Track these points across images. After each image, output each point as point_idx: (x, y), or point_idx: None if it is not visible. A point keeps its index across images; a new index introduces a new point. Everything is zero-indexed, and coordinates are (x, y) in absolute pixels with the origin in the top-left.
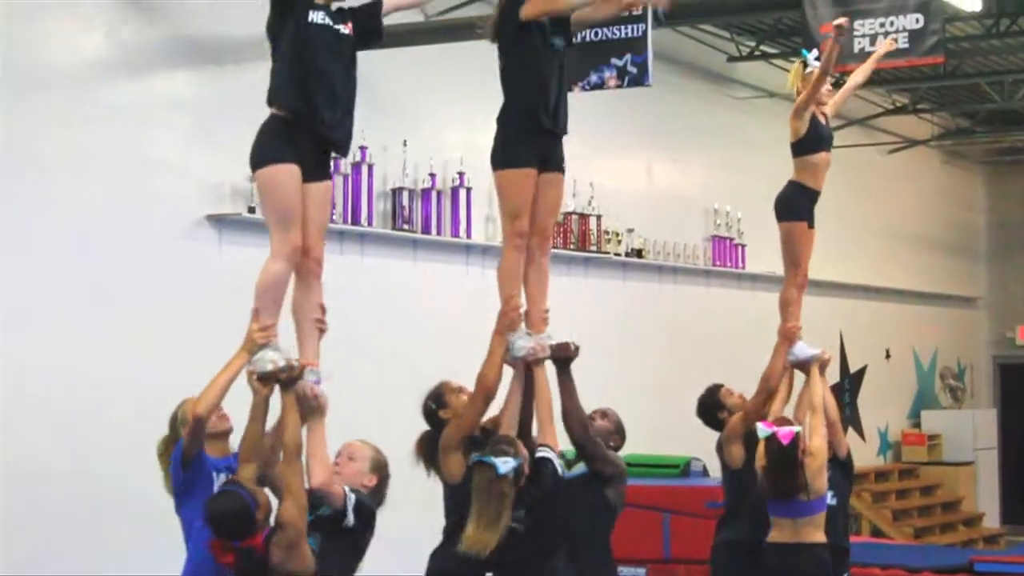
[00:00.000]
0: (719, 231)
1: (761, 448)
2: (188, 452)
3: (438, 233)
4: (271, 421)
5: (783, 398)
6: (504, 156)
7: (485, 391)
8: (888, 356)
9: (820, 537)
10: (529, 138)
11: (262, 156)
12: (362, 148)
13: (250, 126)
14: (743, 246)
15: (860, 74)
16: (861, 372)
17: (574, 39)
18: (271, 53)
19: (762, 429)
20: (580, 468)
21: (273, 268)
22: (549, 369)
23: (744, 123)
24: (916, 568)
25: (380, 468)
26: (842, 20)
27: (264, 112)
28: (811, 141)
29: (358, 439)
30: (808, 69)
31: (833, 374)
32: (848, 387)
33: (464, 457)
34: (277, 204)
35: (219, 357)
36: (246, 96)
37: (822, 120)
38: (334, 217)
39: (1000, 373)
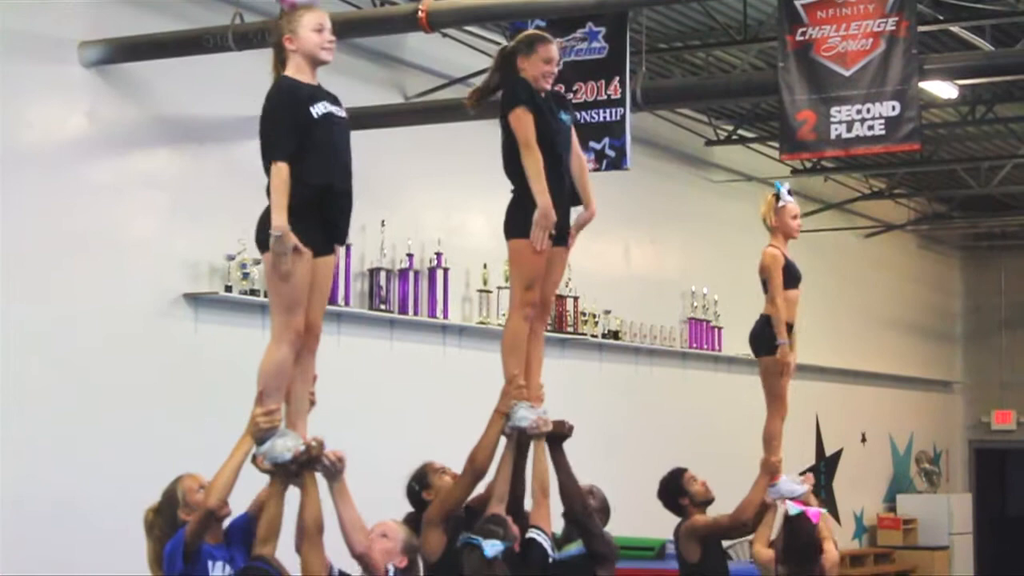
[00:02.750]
0: (696, 313)
1: (783, 529)
2: (190, 545)
3: (415, 313)
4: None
5: (769, 525)
6: (521, 226)
7: (475, 470)
8: (864, 440)
9: None
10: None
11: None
12: None
13: (228, 205)
14: (720, 328)
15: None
16: (837, 455)
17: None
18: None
19: (792, 507)
20: (573, 549)
21: (278, 353)
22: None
23: (722, 206)
24: None
25: (412, 551)
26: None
27: (242, 191)
28: (785, 280)
29: (392, 519)
30: (780, 202)
31: (809, 457)
32: (823, 471)
33: (444, 535)
34: (285, 290)
35: (195, 434)
36: (225, 175)
37: (795, 260)
38: None
39: (976, 457)
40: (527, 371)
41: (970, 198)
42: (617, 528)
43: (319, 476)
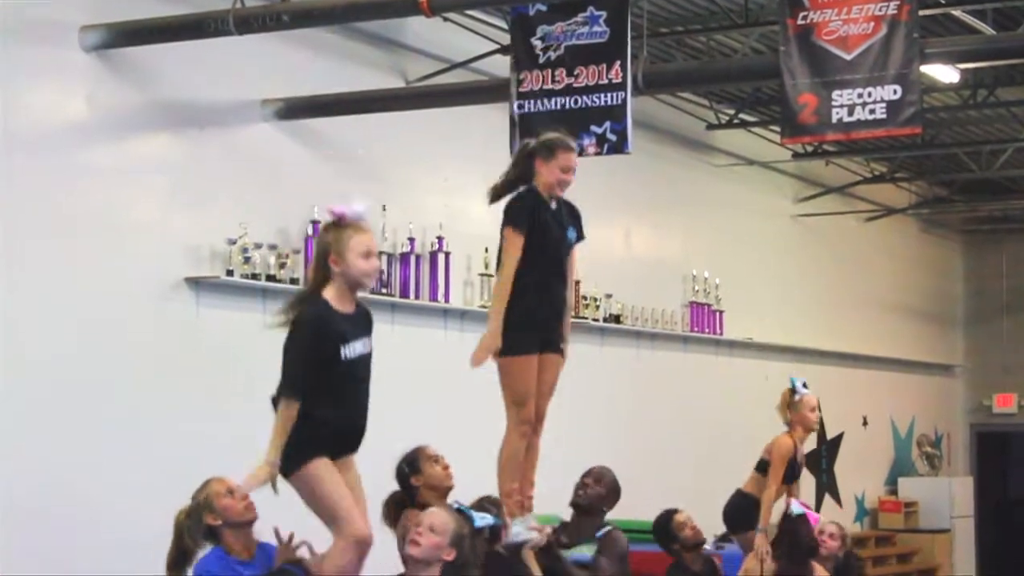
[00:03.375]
0: (697, 297)
1: (784, 527)
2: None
3: (416, 297)
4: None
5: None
6: (509, 345)
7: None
8: (865, 423)
9: None
10: (535, 331)
11: (300, 458)
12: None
13: (229, 189)
14: (721, 312)
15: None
16: (838, 439)
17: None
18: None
19: (796, 507)
20: (585, 552)
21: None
22: None
23: (723, 190)
24: None
25: (460, 541)
26: None
27: (244, 176)
28: (785, 474)
29: (441, 508)
30: (796, 396)
31: (810, 440)
32: (825, 454)
33: None
34: (329, 496)
35: (195, 418)
36: (226, 159)
37: (800, 458)
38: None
39: (977, 441)
40: (523, 483)
41: (971, 182)
42: (619, 511)
43: None
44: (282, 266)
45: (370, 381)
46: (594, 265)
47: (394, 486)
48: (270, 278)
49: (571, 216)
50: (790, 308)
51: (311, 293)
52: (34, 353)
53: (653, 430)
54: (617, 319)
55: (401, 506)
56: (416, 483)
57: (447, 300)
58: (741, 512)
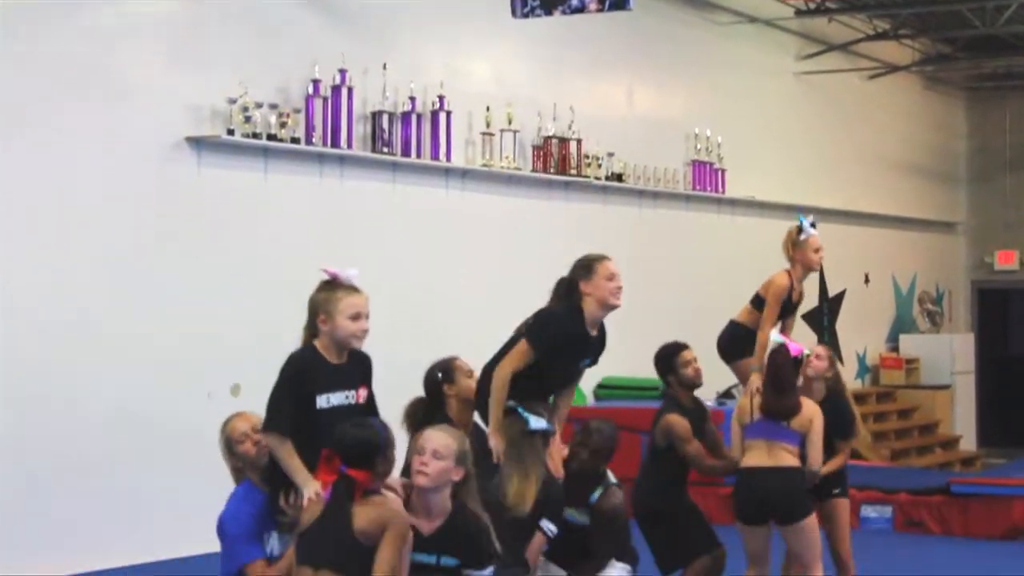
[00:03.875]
0: (699, 156)
1: (766, 358)
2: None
3: (418, 156)
4: None
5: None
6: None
7: None
8: (867, 281)
9: (794, 461)
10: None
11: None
12: (342, 71)
13: (230, 48)
14: (723, 171)
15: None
16: (840, 297)
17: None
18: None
19: (775, 336)
20: (579, 517)
21: None
22: None
23: (726, 48)
24: (893, 489)
25: (465, 458)
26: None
27: (244, 34)
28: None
29: (438, 430)
30: (802, 235)
31: (812, 298)
32: (827, 311)
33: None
34: None
35: (198, 278)
36: (227, 17)
37: (796, 297)
38: (313, 140)
39: (978, 297)
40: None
41: (975, 38)
42: (621, 368)
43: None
44: (283, 125)
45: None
46: (596, 124)
47: (400, 345)
48: (271, 137)
49: (599, 344)
50: (792, 166)
51: (303, 343)
52: (34, 214)
53: (655, 289)
54: (619, 178)
55: (429, 415)
56: (449, 392)
57: (448, 159)
58: (735, 341)
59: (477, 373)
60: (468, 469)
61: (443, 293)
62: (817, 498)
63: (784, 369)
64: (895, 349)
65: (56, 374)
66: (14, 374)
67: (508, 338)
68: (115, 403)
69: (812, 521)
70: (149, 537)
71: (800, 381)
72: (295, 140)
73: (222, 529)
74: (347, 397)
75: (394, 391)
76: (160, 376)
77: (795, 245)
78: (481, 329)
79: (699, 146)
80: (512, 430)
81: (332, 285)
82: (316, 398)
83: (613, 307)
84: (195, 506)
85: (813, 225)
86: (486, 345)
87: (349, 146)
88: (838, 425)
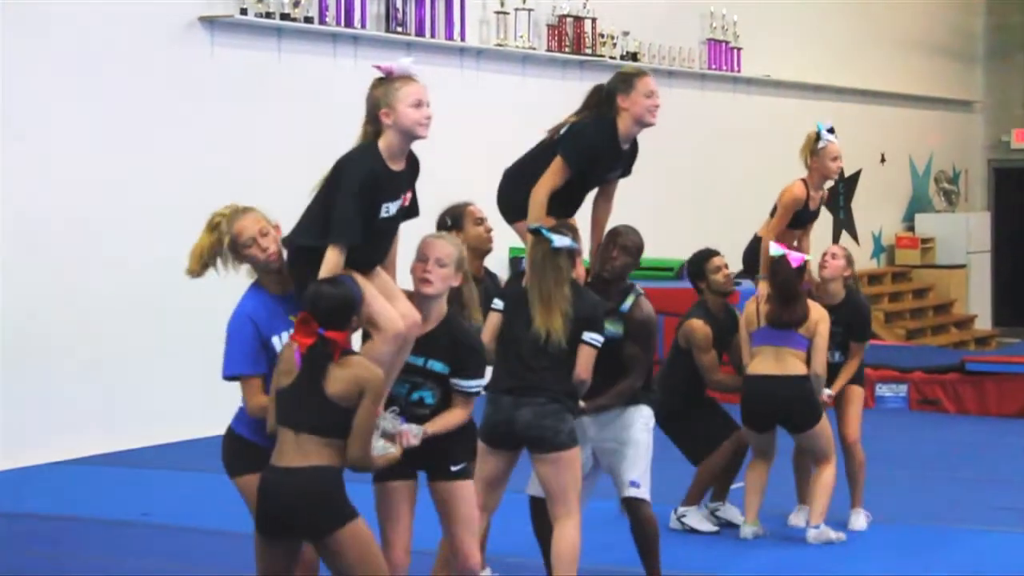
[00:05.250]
0: (715, 34)
1: (769, 269)
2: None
3: (432, 36)
4: None
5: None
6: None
7: None
8: (883, 160)
9: (803, 369)
10: None
11: None
12: None
13: None
14: (739, 49)
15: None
16: (856, 176)
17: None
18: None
19: (774, 248)
20: (610, 330)
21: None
22: None
23: None
24: (908, 368)
25: (463, 264)
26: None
27: None
28: (792, 221)
29: (438, 237)
30: (820, 143)
31: None
32: (842, 191)
33: None
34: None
35: (211, 158)
36: None
37: (813, 205)
38: (327, 19)
39: (995, 177)
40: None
41: None
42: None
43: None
44: (296, 4)
45: (396, 235)
46: (611, 2)
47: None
48: (284, 16)
49: (630, 155)
50: (808, 45)
51: (362, 140)
52: (48, 94)
53: (670, 168)
54: (634, 57)
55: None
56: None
57: (463, 38)
58: (752, 255)
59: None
60: (467, 275)
61: (456, 173)
62: (830, 385)
63: (787, 280)
64: (911, 229)
65: (68, 256)
66: (23, 256)
67: (534, 147)
68: (128, 283)
69: (823, 424)
70: (165, 418)
71: (814, 285)
72: (308, 19)
73: (227, 331)
74: (399, 203)
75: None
76: (173, 257)
77: (812, 153)
78: (496, 210)
79: (715, 24)
80: (535, 252)
81: (388, 79)
82: (382, 206)
83: (648, 124)
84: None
85: (831, 131)
86: (502, 226)
87: (363, 25)
88: (855, 327)
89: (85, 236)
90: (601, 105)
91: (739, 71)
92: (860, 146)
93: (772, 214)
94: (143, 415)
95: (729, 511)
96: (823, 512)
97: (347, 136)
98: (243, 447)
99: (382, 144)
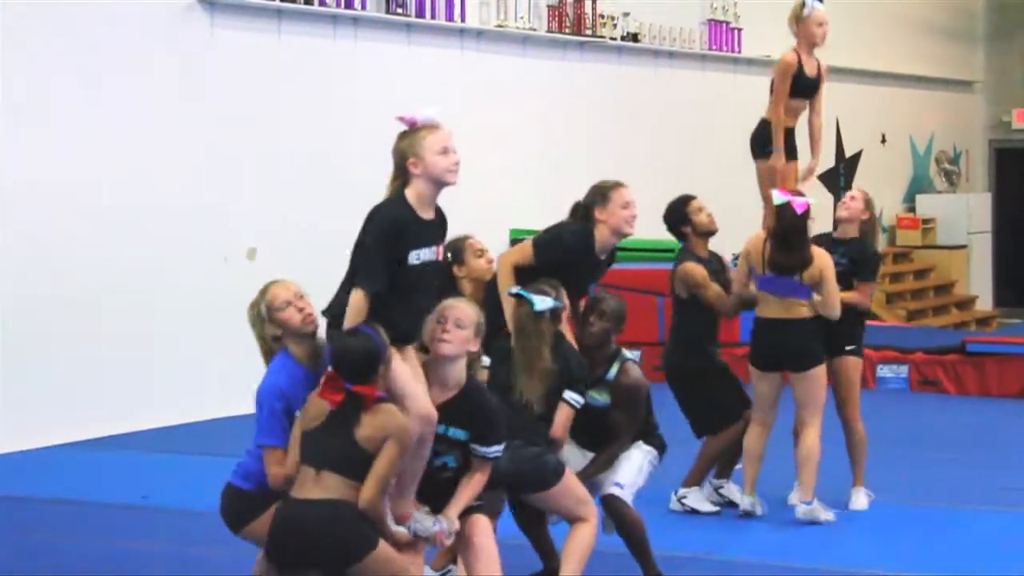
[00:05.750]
0: (716, 15)
1: (773, 217)
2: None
3: (432, 17)
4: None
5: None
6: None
7: None
8: (884, 141)
9: (808, 312)
10: None
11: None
12: None
13: None
14: (739, 30)
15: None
16: (856, 157)
17: None
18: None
19: (777, 195)
20: (599, 400)
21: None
22: None
23: None
24: (909, 348)
25: (481, 331)
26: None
27: None
28: (795, 89)
29: (459, 300)
30: (806, 10)
31: (829, 159)
32: (843, 172)
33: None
34: (399, 378)
35: (212, 141)
36: None
37: (810, 72)
38: (327, 1)
39: (996, 157)
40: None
41: None
42: (637, 230)
43: None
44: None
45: (434, 289)
46: None
47: None
48: None
49: (606, 266)
50: None
51: (390, 195)
52: (47, 77)
53: (671, 149)
54: (635, 38)
55: (439, 296)
56: (459, 273)
57: (463, 19)
58: (758, 134)
59: (491, 252)
60: (483, 342)
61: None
62: (828, 354)
63: (791, 228)
64: (912, 209)
65: (70, 240)
66: (24, 241)
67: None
68: (131, 267)
69: (820, 371)
70: (164, 401)
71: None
72: (308, 1)
73: (256, 401)
74: (432, 252)
75: None
76: (176, 240)
77: (799, 20)
78: (496, 191)
79: (715, 5)
80: (517, 315)
81: (412, 129)
82: (409, 254)
83: (626, 235)
84: (211, 371)
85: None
86: (502, 208)
87: (363, 7)
88: (860, 264)
89: (86, 221)
90: (582, 218)
91: (740, 52)
92: (861, 127)
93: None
94: (141, 398)
95: (732, 489)
96: (811, 485)
97: (348, 118)
98: (245, 499)
99: (410, 194)
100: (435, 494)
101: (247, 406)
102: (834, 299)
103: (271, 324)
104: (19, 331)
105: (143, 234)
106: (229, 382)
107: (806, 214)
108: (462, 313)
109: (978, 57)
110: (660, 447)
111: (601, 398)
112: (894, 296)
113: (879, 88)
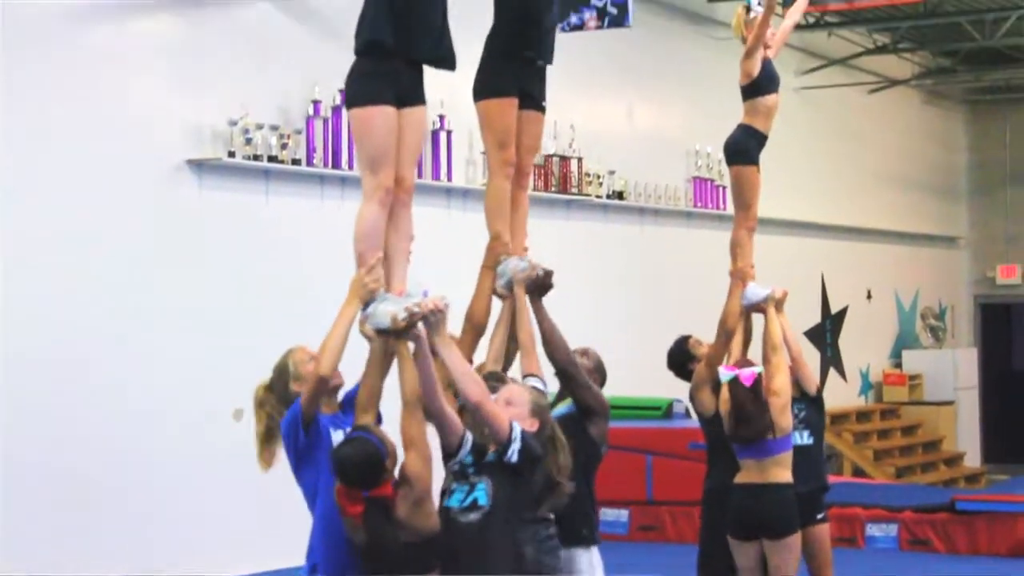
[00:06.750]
0: (700, 172)
1: (725, 391)
2: (308, 414)
3: (419, 176)
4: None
5: (742, 340)
6: (488, 85)
7: (475, 326)
8: (869, 297)
9: (786, 477)
10: (513, 67)
11: (355, 96)
12: (342, 92)
13: (229, 70)
14: (724, 187)
15: (796, 11)
16: (842, 313)
17: None
18: None
19: (724, 373)
20: (563, 407)
21: (368, 213)
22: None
23: (725, 63)
24: (898, 507)
25: (541, 411)
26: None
27: (243, 56)
28: (763, 82)
29: (517, 383)
30: (751, 14)
31: (814, 315)
32: (829, 328)
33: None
34: (370, 147)
35: (200, 301)
36: (226, 39)
37: (770, 62)
38: (314, 161)
39: (981, 312)
40: (514, 235)
41: (974, 51)
42: (625, 388)
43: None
44: (284, 147)
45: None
46: (597, 141)
47: None
48: (272, 159)
49: None
50: (793, 182)
51: None
52: (36, 238)
53: (658, 305)
54: (620, 196)
55: None
56: (296, 388)
57: (450, 179)
58: (737, 141)
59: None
60: (546, 422)
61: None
62: (800, 523)
63: (746, 401)
64: (898, 365)
65: (57, 401)
66: (16, 400)
67: None
68: (115, 427)
69: (797, 539)
70: (151, 558)
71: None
72: (296, 162)
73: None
74: None
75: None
76: (160, 400)
77: (747, 25)
78: (481, 345)
79: (699, 163)
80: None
81: None
82: None
83: None
84: (193, 527)
85: (760, 3)
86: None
87: (350, 167)
88: (812, 407)
89: (77, 380)
90: None
91: (725, 208)
92: (846, 282)
93: (744, 97)
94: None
95: None
96: None
97: (335, 277)
98: None
99: None
100: (463, 546)
101: (236, 567)
102: (807, 373)
103: (296, 382)
104: (20, 485)
105: (127, 393)
106: (212, 537)
107: (756, 384)
108: (515, 392)
109: (962, 213)
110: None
111: (566, 406)
112: (882, 453)
113: (864, 244)
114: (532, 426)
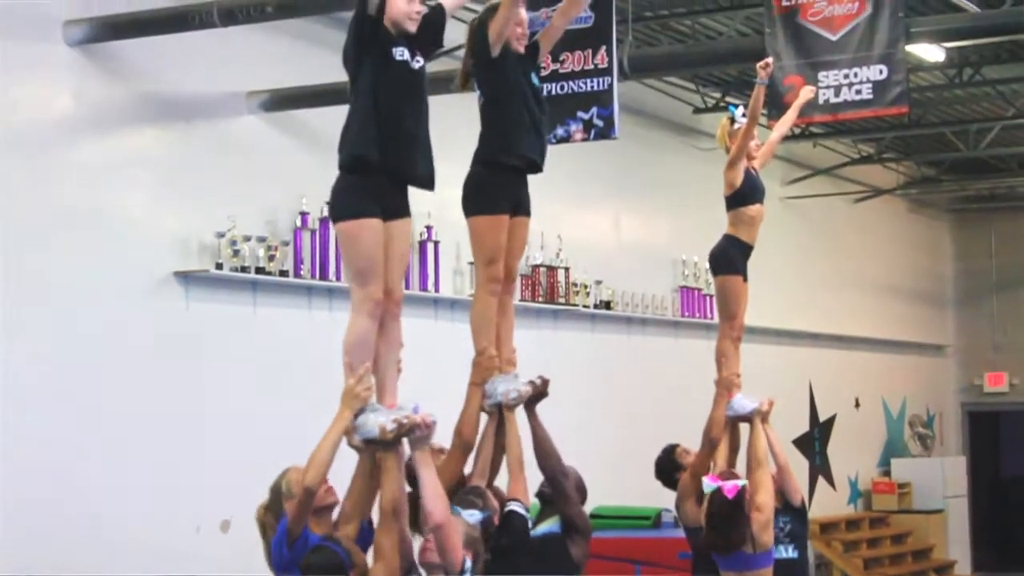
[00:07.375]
0: (687, 282)
1: (706, 502)
2: (293, 531)
3: (407, 287)
4: None
5: (728, 450)
6: (480, 203)
7: (464, 443)
8: (857, 405)
9: None
10: (503, 181)
11: (342, 211)
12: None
13: (216, 182)
14: (710, 296)
15: (783, 124)
16: (830, 421)
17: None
18: (349, 90)
19: (707, 483)
20: (546, 526)
21: (358, 324)
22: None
23: (710, 174)
24: None
25: (474, 543)
26: (767, 60)
27: (231, 168)
28: (747, 192)
29: (458, 516)
30: (735, 125)
31: (802, 423)
32: (818, 436)
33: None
34: (358, 260)
35: (187, 412)
36: (213, 152)
37: (754, 172)
38: (301, 272)
39: (969, 420)
40: (498, 342)
41: (959, 161)
42: (613, 498)
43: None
44: (271, 258)
45: (423, 106)
46: (584, 251)
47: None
48: (259, 271)
49: (532, 64)
50: (780, 291)
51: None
52: (22, 351)
53: (646, 415)
54: (607, 305)
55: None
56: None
57: (437, 290)
58: (722, 251)
59: None
60: (479, 553)
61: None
62: None
63: (726, 513)
64: (887, 473)
65: (48, 508)
66: (8, 510)
67: None
68: (105, 533)
69: None
70: None
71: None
72: (283, 273)
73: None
74: (413, 63)
75: None
76: (149, 510)
77: (731, 136)
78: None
79: (687, 272)
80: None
81: None
82: (392, 49)
83: (516, 51)
84: None
85: (744, 115)
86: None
87: (338, 278)
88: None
89: (71, 500)
90: (477, 38)
91: (712, 318)
92: (834, 391)
93: (729, 207)
94: None
95: None
96: None
97: (323, 388)
98: None
99: None
100: None
101: None
102: (793, 483)
103: (291, 500)
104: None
105: (115, 501)
106: None
107: (739, 496)
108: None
109: (948, 321)
110: None
111: (550, 524)
112: (872, 562)
113: (851, 352)
114: (468, 556)
